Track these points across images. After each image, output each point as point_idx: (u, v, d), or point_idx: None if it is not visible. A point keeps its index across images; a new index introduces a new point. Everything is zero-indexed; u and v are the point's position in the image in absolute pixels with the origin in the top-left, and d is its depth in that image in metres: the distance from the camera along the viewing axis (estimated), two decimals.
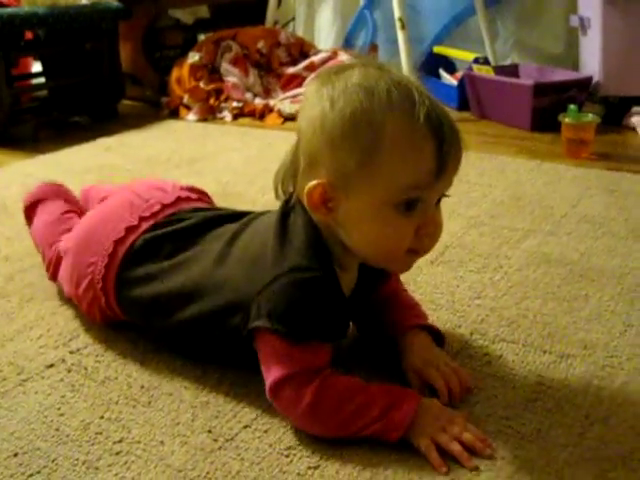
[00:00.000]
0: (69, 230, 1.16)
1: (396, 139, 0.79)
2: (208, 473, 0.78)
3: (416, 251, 0.86)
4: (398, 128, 0.79)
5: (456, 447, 0.79)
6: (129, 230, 1.01)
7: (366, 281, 0.95)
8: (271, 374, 0.83)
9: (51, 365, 0.99)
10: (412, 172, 0.80)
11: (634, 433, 0.83)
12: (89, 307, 1.05)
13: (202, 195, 1.14)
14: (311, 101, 0.84)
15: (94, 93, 2.47)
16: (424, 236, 0.84)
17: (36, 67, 2.63)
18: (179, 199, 1.07)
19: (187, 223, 1.01)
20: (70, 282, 1.07)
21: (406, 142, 0.80)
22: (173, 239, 0.99)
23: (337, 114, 0.81)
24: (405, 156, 0.80)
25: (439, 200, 0.86)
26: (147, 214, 1.03)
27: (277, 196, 0.91)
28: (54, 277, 1.16)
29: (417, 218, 0.83)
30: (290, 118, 2.41)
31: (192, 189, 1.13)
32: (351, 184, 0.82)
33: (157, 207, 1.04)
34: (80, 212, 1.26)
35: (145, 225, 1.02)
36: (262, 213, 0.98)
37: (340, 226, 0.85)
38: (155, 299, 0.96)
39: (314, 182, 0.83)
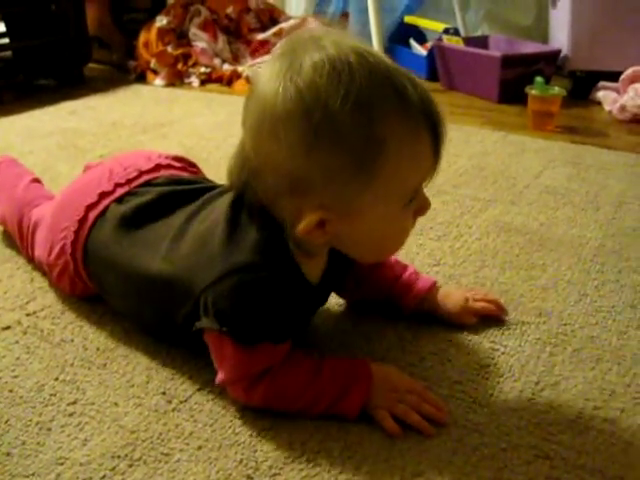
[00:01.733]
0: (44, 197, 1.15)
1: (399, 144, 0.73)
2: (161, 434, 0.78)
3: None
4: (399, 132, 0.73)
5: (414, 417, 0.80)
6: (102, 195, 0.98)
7: (339, 261, 0.88)
8: (219, 372, 0.82)
9: (7, 327, 0.98)
10: (417, 173, 0.77)
11: (583, 398, 0.84)
12: (59, 276, 1.03)
13: (188, 165, 1.09)
14: (277, 106, 0.72)
15: (60, 56, 2.43)
16: (419, 216, 0.83)
17: (0, 27, 2.58)
18: (158, 166, 1.03)
19: (152, 195, 0.95)
20: (44, 248, 1.04)
21: (409, 144, 0.74)
22: (140, 210, 0.95)
23: (325, 134, 0.71)
24: (411, 158, 0.75)
25: None
26: (122, 180, 0.99)
27: (230, 185, 0.83)
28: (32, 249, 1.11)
29: (416, 205, 0.81)
30: None
31: (178, 158, 1.08)
32: (354, 203, 0.75)
33: (134, 174, 1.00)
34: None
35: (120, 191, 0.98)
36: (222, 192, 0.90)
37: (335, 240, 0.80)
38: (113, 265, 0.93)
39: (312, 217, 0.75)
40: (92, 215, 0.97)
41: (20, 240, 1.15)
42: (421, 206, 0.81)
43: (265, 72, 0.76)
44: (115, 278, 0.94)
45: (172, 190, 0.96)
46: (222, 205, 0.85)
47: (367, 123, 0.71)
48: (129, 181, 0.99)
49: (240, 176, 0.79)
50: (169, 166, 1.04)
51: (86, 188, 1.01)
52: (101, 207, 0.97)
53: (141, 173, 1.00)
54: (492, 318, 1.00)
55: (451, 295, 1.00)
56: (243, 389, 0.81)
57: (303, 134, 0.72)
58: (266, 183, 0.77)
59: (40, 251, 1.06)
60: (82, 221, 0.97)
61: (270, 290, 0.78)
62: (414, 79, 0.76)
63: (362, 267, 0.97)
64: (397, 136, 0.73)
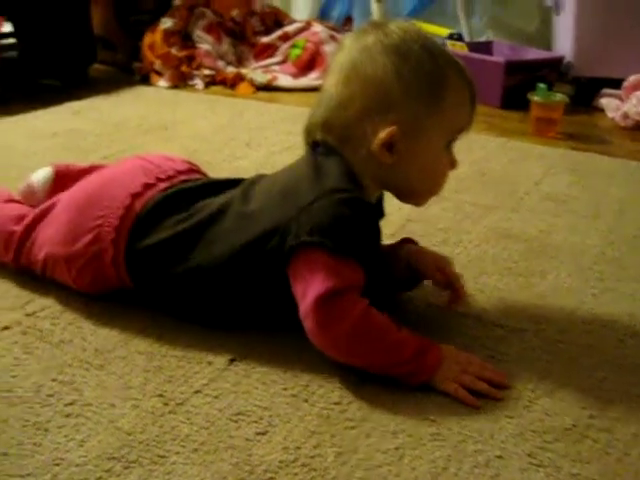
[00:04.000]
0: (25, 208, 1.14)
1: (455, 88, 0.93)
2: (157, 436, 0.79)
3: None
4: (455, 79, 0.93)
5: (483, 385, 0.86)
6: (146, 187, 1.01)
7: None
8: (315, 287, 0.85)
9: (6, 327, 0.99)
10: (462, 115, 0.95)
11: (579, 406, 0.84)
12: (82, 268, 1.01)
13: (199, 169, 1.14)
14: (373, 51, 0.92)
15: (65, 56, 2.43)
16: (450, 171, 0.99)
17: (6, 28, 2.58)
18: (190, 169, 1.09)
19: (203, 182, 1.05)
20: (60, 241, 1.02)
21: (460, 91, 0.94)
22: (192, 194, 1.01)
23: (412, 67, 0.91)
24: (459, 102, 0.94)
25: None
26: (163, 176, 1.03)
27: (306, 142, 0.98)
28: (19, 256, 1.09)
29: (449, 155, 0.97)
30: (262, 88, 2.40)
31: (194, 164, 1.14)
32: (420, 128, 0.92)
33: (171, 172, 1.05)
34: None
35: (162, 185, 1.02)
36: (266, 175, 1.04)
37: (394, 166, 0.93)
38: (175, 241, 0.96)
39: (389, 129, 0.90)
40: (139, 203, 0.99)
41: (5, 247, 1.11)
42: (453, 160, 0.98)
43: (353, 39, 0.96)
44: (172, 264, 0.96)
45: (216, 179, 1.06)
46: (282, 170, 1.00)
47: (438, 65, 0.92)
48: (169, 177, 1.04)
49: (318, 124, 0.95)
50: (198, 170, 1.12)
51: (120, 180, 1.03)
52: (146, 197, 1.00)
53: (178, 172, 1.06)
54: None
55: (427, 253, 1.06)
56: (342, 304, 0.84)
57: (394, 62, 0.91)
58: (349, 111, 0.92)
59: (52, 246, 1.03)
60: (128, 208, 0.99)
61: (359, 206, 0.89)
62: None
63: None
64: (454, 81, 0.93)
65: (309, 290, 0.86)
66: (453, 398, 0.85)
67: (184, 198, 1.00)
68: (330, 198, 0.88)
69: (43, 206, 1.10)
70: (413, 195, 1.00)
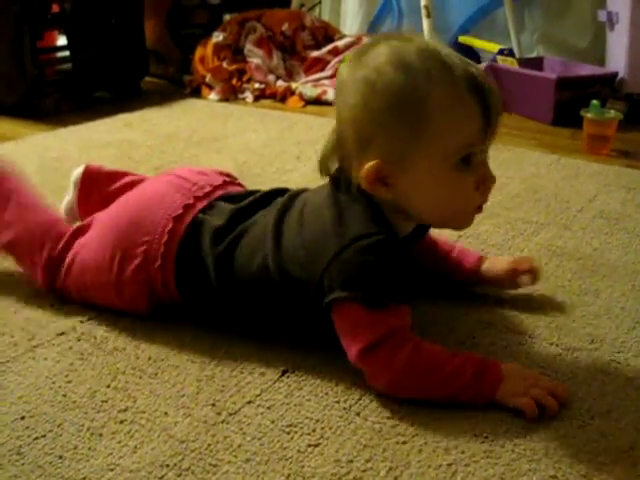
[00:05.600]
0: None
1: (442, 104, 0.84)
2: (210, 445, 0.79)
3: (479, 206, 0.92)
4: (441, 94, 0.84)
5: (552, 402, 0.84)
6: (187, 208, 1.00)
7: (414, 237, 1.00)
8: (358, 342, 0.85)
9: (62, 333, 1.00)
10: (463, 131, 0.86)
11: (635, 429, 0.83)
12: (135, 293, 1.00)
13: (235, 180, 1.13)
14: (348, 88, 0.88)
15: (118, 69, 2.47)
16: (485, 190, 0.90)
17: (61, 41, 2.64)
18: (225, 182, 1.07)
19: (239, 204, 1.01)
20: (108, 269, 1.00)
21: (452, 105, 0.85)
22: (231, 217, 0.99)
23: (379, 96, 0.85)
24: (453, 118, 0.85)
25: None
26: (200, 194, 1.02)
27: (322, 175, 0.95)
28: (52, 280, 1.06)
29: (475, 173, 0.88)
30: (311, 102, 2.41)
31: (229, 174, 1.13)
32: (407, 157, 0.86)
33: (208, 188, 1.03)
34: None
35: (200, 205, 1.01)
36: (302, 191, 1.00)
37: (401, 199, 0.89)
38: (219, 262, 0.96)
39: (370, 163, 0.86)
40: (182, 227, 0.99)
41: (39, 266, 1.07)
42: (483, 176, 0.89)
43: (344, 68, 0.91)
44: (219, 283, 0.96)
45: (252, 199, 1.02)
46: (312, 196, 0.96)
47: (415, 85, 0.84)
48: (206, 195, 1.02)
49: (332, 159, 0.93)
50: (232, 182, 1.10)
51: (158, 202, 1.01)
52: (188, 219, 0.99)
53: (214, 188, 1.04)
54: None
55: (497, 263, 1.09)
56: (387, 352, 0.85)
57: (363, 94, 0.86)
58: (346, 149, 0.89)
59: (96, 274, 1.02)
60: (171, 232, 0.98)
61: (387, 250, 0.86)
62: (468, 61, 0.87)
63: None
64: (438, 98, 0.84)
65: (350, 346, 0.87)
66: (515, 411, 0.84)
67: (223, 217, 0.99)
68: (354, 247, 0.86)
69: (77, 226, 1.09)
70: (443, 222, 0.96)
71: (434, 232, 1.10)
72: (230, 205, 1.01)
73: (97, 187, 1.20)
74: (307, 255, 0.90)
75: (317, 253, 0.88)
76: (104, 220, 1.06)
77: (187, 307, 1.02)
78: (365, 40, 2.68)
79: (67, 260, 1.05)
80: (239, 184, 1.12)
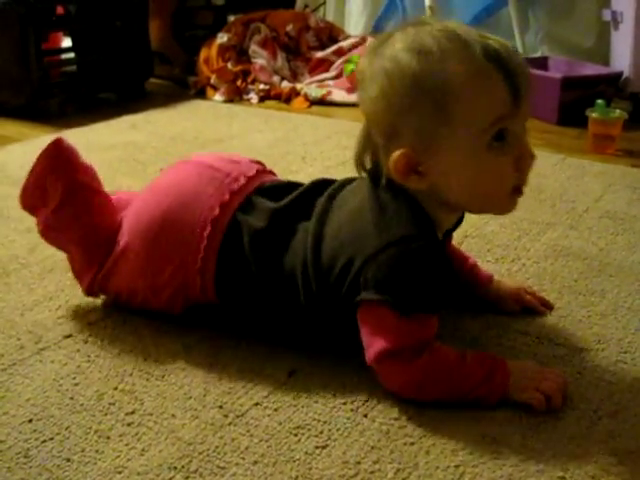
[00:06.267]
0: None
1: (462, 80, 0.82)
2: (217, 447, 0.79)
3: (519, 187, 0.89)
4: (460, 70, 0.82)
5: (558, 400, 0.85)
6: (223, 207, 0.97)
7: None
8: (376, 344, 0.85)
9: (69, 335, 1.01)
10: (490, 107, 0.83)
11: None
12: (172, 296, 0.99)
13: (266, 168, 1.09)
14: (367, 81, 0.87)
15: (122, 70, 2.48)
16: (524, 169, 0.87)
17: (66, 42, 2.64)
18: (258, 172, 1.03)
19: (278, 204, 0.98)
20: (146, 273, 0.99)
21: (472, 77, 0.83)
22: (274, 218, 0.96)
23: (398, 83, 0.84)
24: (476, 91, 0.83)
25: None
26: (235, 188, 0.98)
27: (359, 171, 0.94)
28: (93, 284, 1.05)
29: (511, 151, 0.85)
30: (316, 102, 2.42)
31: (259, 162, 1.08)
32: (435, 141, 0.85)
33: (243, 180, 0.99)
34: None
35: (236, 201, 0.98)
36: (340, 188, 0.97)
37: (437, 186, 0.87)
38: (257, 274, 0.94)
39: (397, 153, 0.85)
40: (220, 229, 0.96)
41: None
42: (520, 153, 0.86)
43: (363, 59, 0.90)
44: (259, 288, 0.95)
45: (292, 198, 0.98)
46: (351, 197, 0.94)
47: (428, 66, 0.83)
48: (241, 189, 0.99)
49: (366, 155, 0.92)
50: (264, 171, 1.06)
51: (192, 200, 0.98)
52: (226, 220, 0.96)
53: (249, 179, 1.00)
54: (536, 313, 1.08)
55: (505, 285, 1.10)
56: (400, 363, 0.85)
57: (381, 86, 0.85)
58: (375, 143, 0.89)
59: (134, 280, 1.01)
60: (210, 237, 0.96)
61: (427, 259, 0.85)
62: (489, 35, 0.85)
63: None
64: (457, 74, 0.82)
65: (370, 346, 0.86)
66: (522, 410, 0.85)
67: (262, 218, 0.96)
68: (394, 250, 0.84)
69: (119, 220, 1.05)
70: (481, 206, 0.93)
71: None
72: (268, 202, 0.98)
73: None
74: (346, 258, 0.88)
75: (355, 254, 0.87)
76: (141, 219, 1.01)
77: (223, 309, 1.00)
78: (370, 40, 2.68)
79: (107, 265, 1.02)
80: (271, 172, 1.08)
